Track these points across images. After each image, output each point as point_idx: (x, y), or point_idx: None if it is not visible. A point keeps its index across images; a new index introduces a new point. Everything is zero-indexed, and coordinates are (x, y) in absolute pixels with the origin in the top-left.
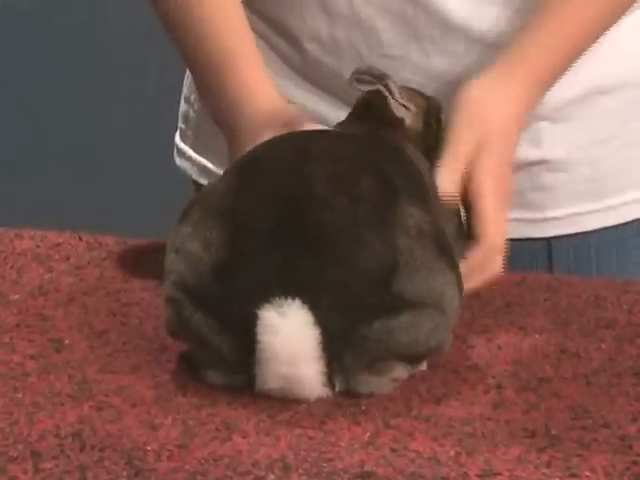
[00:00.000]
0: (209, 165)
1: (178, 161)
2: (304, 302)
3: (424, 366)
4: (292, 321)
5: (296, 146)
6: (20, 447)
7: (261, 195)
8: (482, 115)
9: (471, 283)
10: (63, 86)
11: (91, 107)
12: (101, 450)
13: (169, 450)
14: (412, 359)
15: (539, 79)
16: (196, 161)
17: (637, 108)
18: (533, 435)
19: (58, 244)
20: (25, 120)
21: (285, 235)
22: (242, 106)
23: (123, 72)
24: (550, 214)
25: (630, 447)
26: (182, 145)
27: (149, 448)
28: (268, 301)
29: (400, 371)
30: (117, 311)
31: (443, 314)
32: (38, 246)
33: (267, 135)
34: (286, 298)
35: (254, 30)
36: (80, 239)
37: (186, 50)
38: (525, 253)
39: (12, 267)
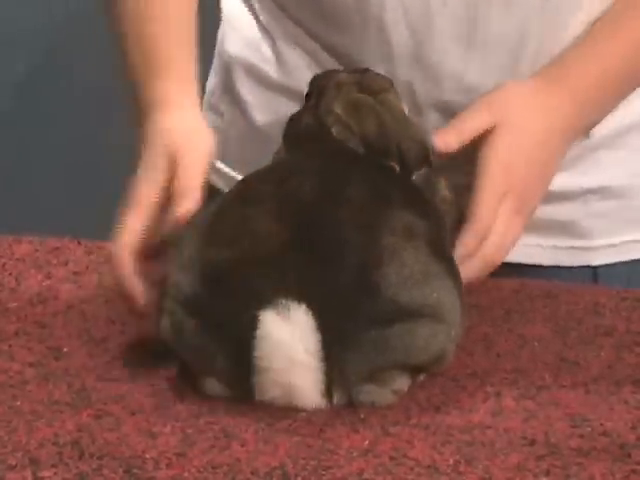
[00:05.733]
0: (237, 175)
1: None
2: (308, 307)
3: (422, 375)
4: (296, 326)
5: (284, 168)
6: (19, 455)
7: (255, 202)
8: (504, 103)
9: (467, 271)
10: (61, 92)
11: (92, 111)
12: (100, 458)
13: (168, 458)
14: (413, 368)
15: (584, 98)
16: (222, 172)
17: None
18: (532, 443)
19: (57, 248)
20: (24, 124)
21: (279, 240)
22: (154, 114)
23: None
24: (603, 241)
25: (629, 455)
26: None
27: (148, 456)
28: (271, 305)
29: (401, 383)
30: (116, 319)
31: (441, 322)
32: (37, 250)
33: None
34: (292, 302)
35: (302, 46)
36: (79, 243)
37: (126, 48)
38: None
39: (11, 274)
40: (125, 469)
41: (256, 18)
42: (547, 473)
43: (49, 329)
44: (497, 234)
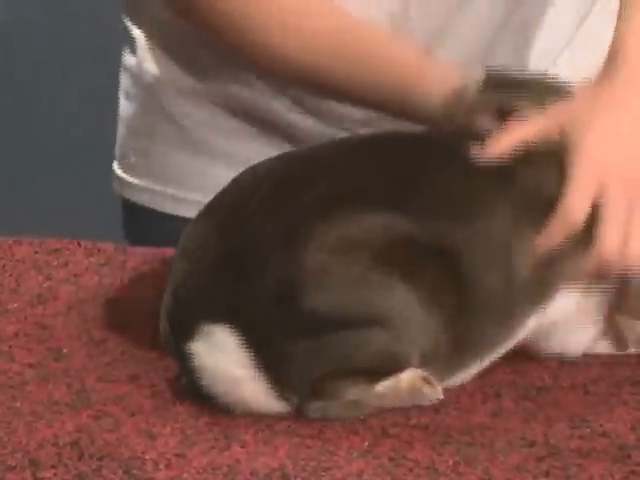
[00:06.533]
0: (179, 194)
1: (130, 194)
2: (231, 325)
3: (426, 399)
4: (223, 349)
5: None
6: (19, 456)
7: (210, 213)
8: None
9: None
10: (62, 92)
11: (90, 111)
12: (99, 459)
13: (167, 459)
14: (363, 375)
15: None
16: (162, 193)
17: None
18: (532, 444)
19: (57, 250)
20: (24, 127)
21: (214, 255)
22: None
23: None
24: None
25: (629, 456)
26: (133, 179)
27: (147, 457)
28: (197, 330)
29: (357, 393)
30: (116, 320)
31: (383, 326)
32: (37, 252)
33: None
34: (214, 324)
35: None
36: (79, 245)
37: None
38: None
39: (11, 275)
40: (124, 470)
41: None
42: (547, 474)
43: (49, 330)
44: (619, 225)
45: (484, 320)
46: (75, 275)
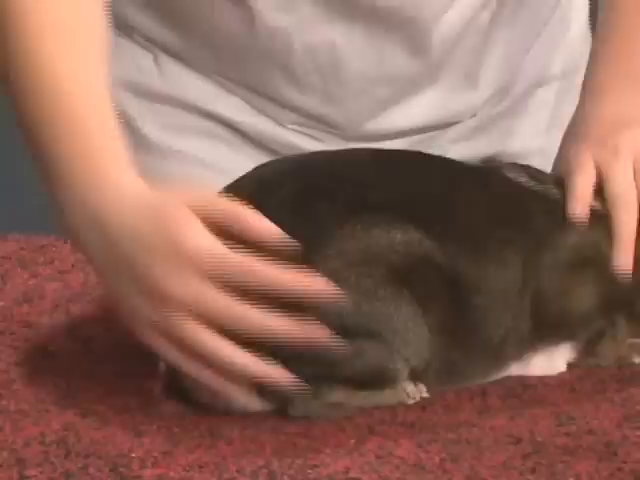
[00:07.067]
0: None
1: None
2: None
3: (411, 396)
4: None
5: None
6: (5, 454)
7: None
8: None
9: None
10: None
11: None
12: (86, 457)
13: (154, 457)
14: (349, 382)
15: None
16: None
17: (565, 97)
18: (518, 441)
19: (42, 246)
20: (11, 123)
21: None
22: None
23: None
24: None
25: (615, 453)
26: None
27: (134, 455)
28: None
29: (340, 396)
30: (102, 318)
31: (378, 341)
32: (22, 249)
33: (145, 229)
34: None
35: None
36: (65, 242)
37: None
38: None
39: None
40: (111, 468)
41: (130, 37)
42: (533, 471)
43: (35, 328)
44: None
45: (477, 355)
46: (61, 272)
